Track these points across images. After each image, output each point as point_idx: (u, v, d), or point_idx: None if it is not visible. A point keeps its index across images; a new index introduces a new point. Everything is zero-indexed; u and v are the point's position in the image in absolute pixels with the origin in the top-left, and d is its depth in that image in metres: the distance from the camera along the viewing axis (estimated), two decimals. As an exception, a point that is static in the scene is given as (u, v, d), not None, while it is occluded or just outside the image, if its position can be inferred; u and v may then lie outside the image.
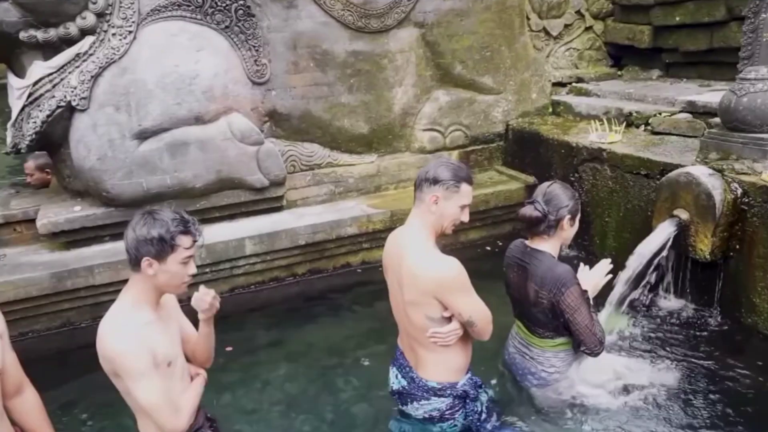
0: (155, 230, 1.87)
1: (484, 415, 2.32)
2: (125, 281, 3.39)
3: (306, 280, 4.23)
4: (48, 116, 3.50)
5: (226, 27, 3.82)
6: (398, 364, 2.33)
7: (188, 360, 2.16)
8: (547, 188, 2.52)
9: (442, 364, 2.19)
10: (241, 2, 3.80)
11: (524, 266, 2.54)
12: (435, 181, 2.06)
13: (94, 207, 3.77)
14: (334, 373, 3.25)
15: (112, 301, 3.68)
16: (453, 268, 2.01)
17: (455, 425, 2.24)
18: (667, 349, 3.10)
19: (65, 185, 3.98)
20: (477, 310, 2.08)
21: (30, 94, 3.54)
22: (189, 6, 3.68)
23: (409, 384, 2.24)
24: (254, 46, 3.93)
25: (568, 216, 2.49)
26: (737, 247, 3.13)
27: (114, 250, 3.69)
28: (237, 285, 4.03)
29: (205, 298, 2.04)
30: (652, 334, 3.22)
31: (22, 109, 3.59)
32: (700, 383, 2.84)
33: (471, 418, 2.26)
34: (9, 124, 3.74)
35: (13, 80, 3.66)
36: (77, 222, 3.67)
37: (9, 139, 3.76)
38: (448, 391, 2.20)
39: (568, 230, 2.54)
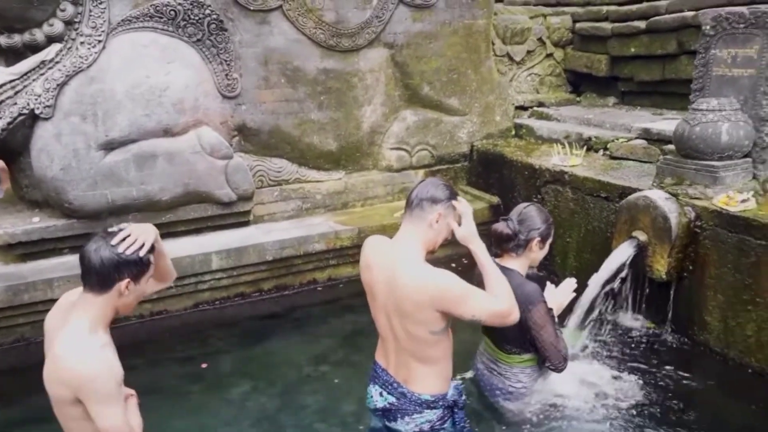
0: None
1: (468, 425, 2.40)
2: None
3: (272, 297, 4.20)
4: (9, 123, 3.40)
5: (198, 40, 3.82)
6: (381, 381, 2.31)
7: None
8: (523, 209, 2.62)
9: (435, 376, 2.22)
10: (214, 16, 3.81)
11: (494, 284, 2.62)
12: (436, 200, 2.12)
13: (54, 218, 3.67)
14: (299, 390, 3.24)
15: (71, 316, 3.56)
16: (453, 280, 2.05)
17: None
18: (626, 363, 3.23)
19: (22, 195, 3.86)
20: (479, 308, 2.09)
21: (-10, 101, 3.45)
22: (161, 18, 3.67)
23: (399, 400, 2.24)
24: (225, 60, 3.94)
25: (538, 239, 2.59)
26: (690, 268, 3.30)
27: (74, 262, 3.56)
28: (201, 300, 3.97)
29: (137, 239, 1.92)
30: (612, 350, 3.35)
31: (-20, 115, 3.49)
32: (656, 396, 2.97)
33: (459, 425, 2.32)
34: (-35, 131, 3.62)
35: (-29, 86, 3.55)
36: (36, 233, 3.57)
37: (-36, 146, 3.64)
38: (440, 403, 2.24)
39: (537, 252, 2.64)
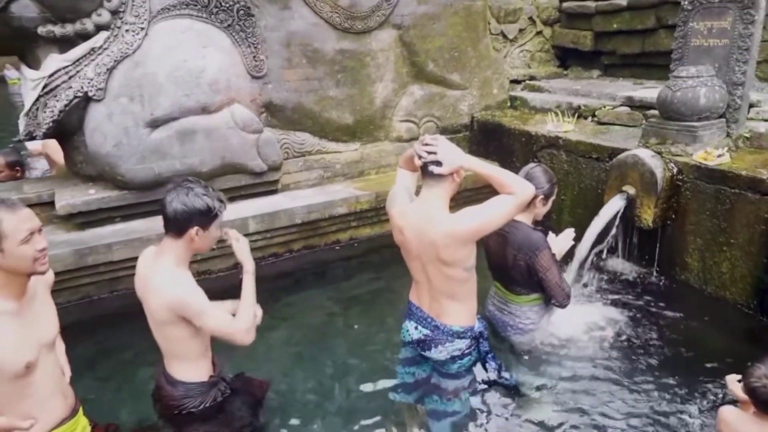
0: (204, 201, 2.01)
1: (491, 352, 2.60)
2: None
3: (301, 256, 4.35)
4: (65, 105, 3.49)
5: (229, 25, 3.89)
6: (416, 317, 2.47)
7: None
8: (530, 169, 2.76)
9: (463, 311, 2.38)
10: (242, 3, 3.88)
11: (503, 234, 2.77)
12: None
13: (108, 190, 3.79)
14: (330, 334, 3.40)
15: (129, 276, 3.78)
16: (470, 215, 2.20)
17: (471, 359, 2.46)
18: (618, 302, 3.44)
19: (76, 171, 3.97)
20: (506, 212, 2.19)
21: (46, 85, 3.53)
22: (196, 5, 3.73)
23: (433, 332, 2.40)
24: (253, 44, 4.02)
25: (542, 196, 2.74)
26: (673, 216, 3.49)
27: (127, 229, 3.74)
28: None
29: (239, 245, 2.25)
30: (606, 291, 3.55)
31: (37, 99, 3.57)
32: (644, 328, 3.19)
33: (483, 353, 2.51)
34: (22, 114, 3.71)
35: (27, 72, 3.63)
36: (93, 204, 3.70)
37: (22, 128, 3.73)
38: (468, 333, 2.41)
39: (540, 208, 2.79)
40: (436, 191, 2.26)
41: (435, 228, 2.21)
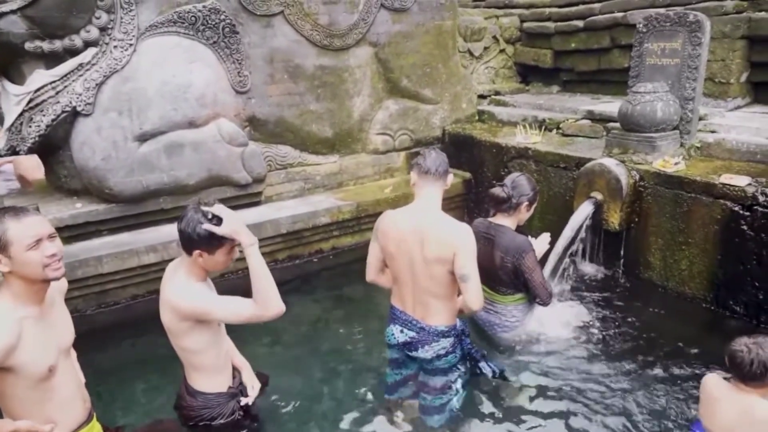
0: (206, 230, 2.02)
1: (473, 346, 2.75)
2: (130, 269, 3.56)
3: (285, 266, 4.43)
4: (53, 120, 3.49)
5: (214, 42, 3.97)
6: (400, 320, 2.55)
7: None
8: (516, 177, 2.98)
9: (447, 311, 2.50)
10: (228, 21, 3.97)
11: (490, 238, 2.97)
12: (448, 167, 2.44)
13: (94, 204, 3.79)
14: (315, 340, 3.49)
15: (117, 288, 3.78)
16: (470, 233, 2.35)
17: (456, 356, 2.58)
18: (590, 300, 3.69)
19: (60, 185, 3.94)
20: (473, 271, 2.34)
21: (31, 100, 3.51)
22: (183, 23, 3.81)
23: (419, 333, 2.50)
24: (237, 60, 4.11)
25: (527, 202, 2.96)
26: (636, 219, 3.79)
27: (115, 242, 3.73)
28: (227, 271, 4.15)
29: None
30: (579, 290, 3.80)
31: (21, 114, 3.55)
32: (614, 322, 3.45)
33: (466, 348, 2.65)
34: (4, 129, 3.66)
35: (10, 87, 3.59)
36: (81, 217, 3.68)
37: (2, 143, 3.68)
38: (452, 332, 2.52)
39: (524, 213, 3.01)
40: (436, 192, 2.41)
41: (434, 225, 2.35)
